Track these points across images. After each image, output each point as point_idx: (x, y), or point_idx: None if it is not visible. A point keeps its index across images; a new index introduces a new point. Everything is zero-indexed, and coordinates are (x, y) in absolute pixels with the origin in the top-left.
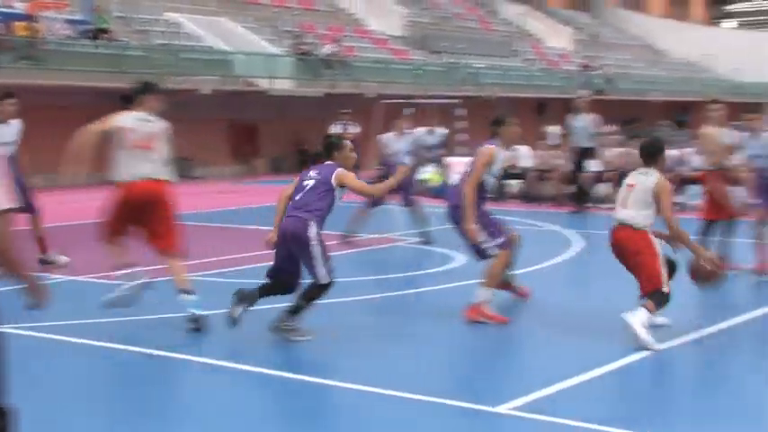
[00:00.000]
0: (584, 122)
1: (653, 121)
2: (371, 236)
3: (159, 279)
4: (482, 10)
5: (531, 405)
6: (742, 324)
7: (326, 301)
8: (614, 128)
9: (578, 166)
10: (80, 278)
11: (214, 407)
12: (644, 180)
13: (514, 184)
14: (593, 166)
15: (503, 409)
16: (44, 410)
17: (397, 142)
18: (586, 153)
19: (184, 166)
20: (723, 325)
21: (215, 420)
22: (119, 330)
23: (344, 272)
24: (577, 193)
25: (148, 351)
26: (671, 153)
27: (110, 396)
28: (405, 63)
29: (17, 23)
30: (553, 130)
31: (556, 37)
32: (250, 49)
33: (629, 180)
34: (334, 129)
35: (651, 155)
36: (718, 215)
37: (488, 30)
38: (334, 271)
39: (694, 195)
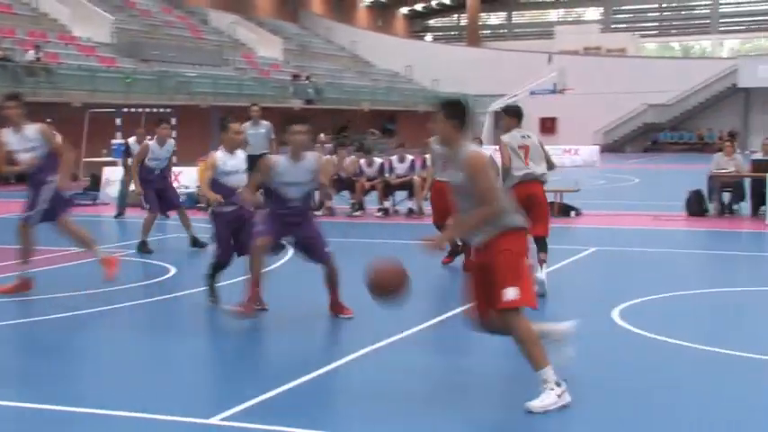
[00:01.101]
0: (262, 129)
1: (362, 128)
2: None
3: None
4: (192, 18)
5: (244, 414)
6: None
7: (24, 320)
8: (325, 136)
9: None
10: None
11: None
12: (532, 139)
13: None
14: None
15: (216, 420)
16: None
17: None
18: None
19: None
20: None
21: None
22: None
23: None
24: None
25: None
26: (378, 160)
27: None
28: (113, 71)
29: None
30: None
31: (267, 46)
32: None
33: (519, 143)
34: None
35: (522, 116)
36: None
37: (199, 38)
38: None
39: (401, 202)
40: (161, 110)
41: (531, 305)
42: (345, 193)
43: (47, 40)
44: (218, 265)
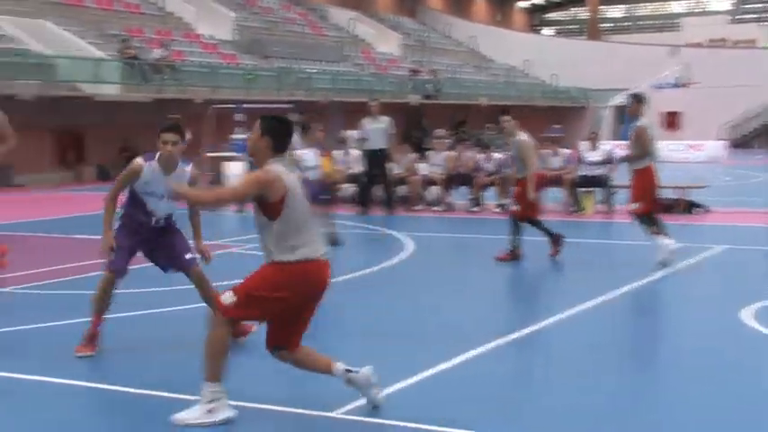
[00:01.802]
0: (381, 125)
1: (480, 124)
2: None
3: None
4: (312, 15)
5: (362, 409)
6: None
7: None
8: (444, 131)
9: (374, 169)
10: None
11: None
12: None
13: (347, 189)
14: (421, 168)
15: (337, 413)
16: None
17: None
18: (382, 155)
19: (4, 174)
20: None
21: None
22: None
23: (173, 280)
24: (362, 194)
25: None
26: (497, 155)
27: None
28: (234, 68)
29: None
30: (352, 133)
31: (385, 42)
32: (74, 53)
33: None
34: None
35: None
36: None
37: (319, 35)
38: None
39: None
40: (280, 106)
41: (237, 324)
42: (464, 189)
43: (172, 38)
44: None
